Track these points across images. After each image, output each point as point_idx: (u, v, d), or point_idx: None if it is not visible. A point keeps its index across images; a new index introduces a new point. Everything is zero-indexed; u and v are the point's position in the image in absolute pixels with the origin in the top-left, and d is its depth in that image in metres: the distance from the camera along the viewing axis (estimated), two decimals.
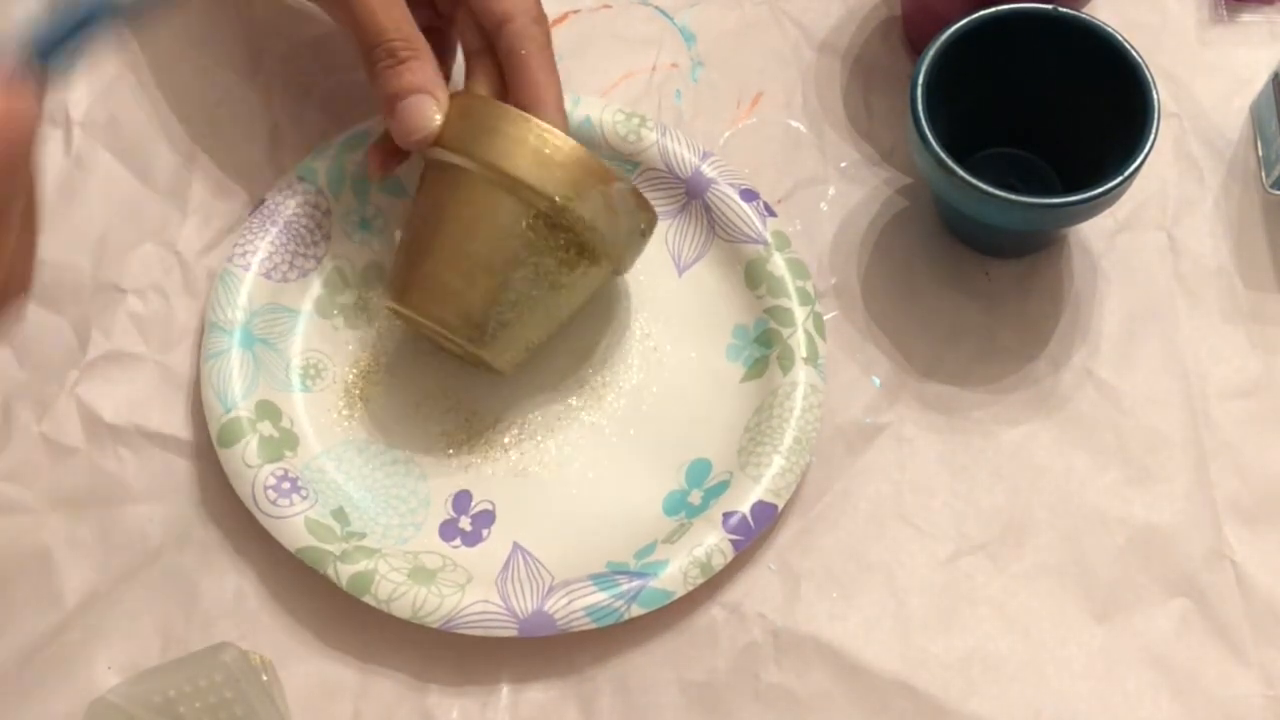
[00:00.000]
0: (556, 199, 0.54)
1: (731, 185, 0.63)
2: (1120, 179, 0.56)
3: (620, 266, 0.59)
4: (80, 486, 0.59)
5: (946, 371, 0.62)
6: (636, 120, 0.64)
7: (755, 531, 0.57)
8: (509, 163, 0.54)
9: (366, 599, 0.55)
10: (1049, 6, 0.59)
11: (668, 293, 0.63)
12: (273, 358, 0.60)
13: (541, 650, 0.57)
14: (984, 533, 0.59)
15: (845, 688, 0.56)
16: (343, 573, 0.56)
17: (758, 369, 0.61)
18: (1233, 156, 0.65)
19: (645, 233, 0.58)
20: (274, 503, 0.57)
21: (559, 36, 0.59)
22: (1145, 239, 0.64)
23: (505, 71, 0.57)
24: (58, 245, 0.63)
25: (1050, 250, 0.64)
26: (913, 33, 0.67)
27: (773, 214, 0.63)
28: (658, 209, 0.60)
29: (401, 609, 0.55)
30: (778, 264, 0.62)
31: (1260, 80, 0.66)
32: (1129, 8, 0.67)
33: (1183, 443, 0.60)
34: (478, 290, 0.55)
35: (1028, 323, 0.62)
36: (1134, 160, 0.56)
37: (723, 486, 0.58)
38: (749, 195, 0.63)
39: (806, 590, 0.58)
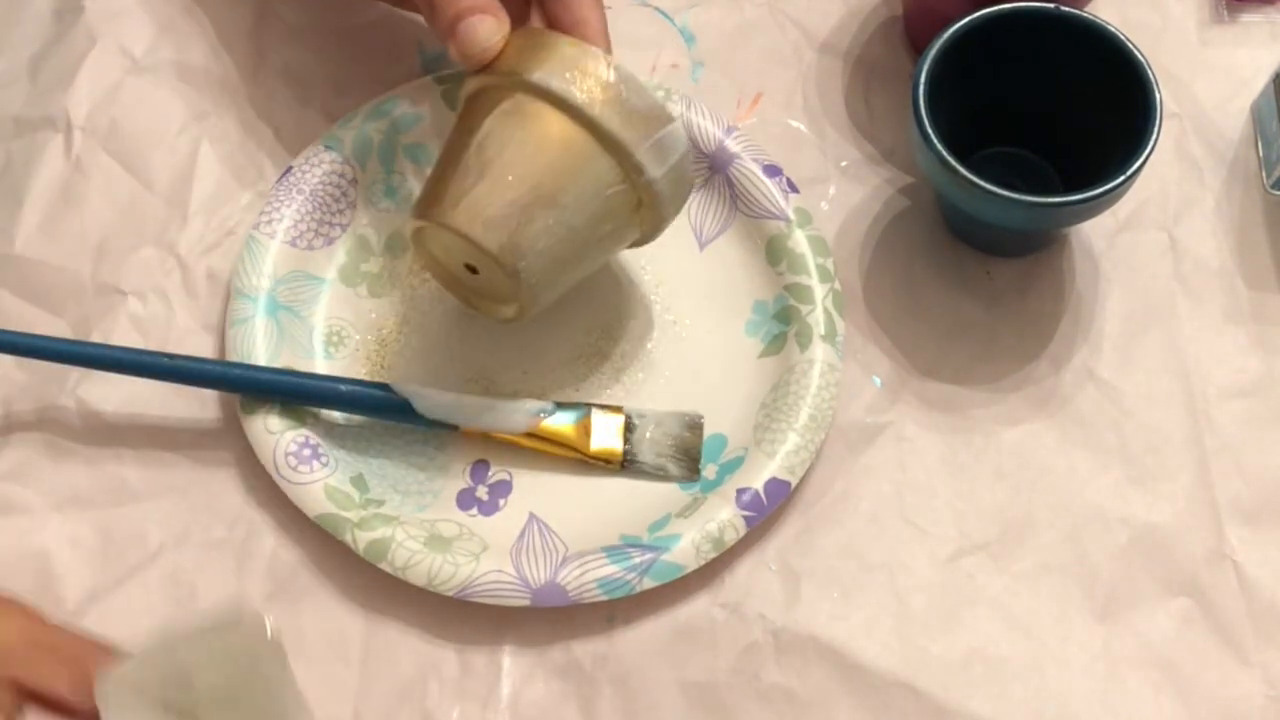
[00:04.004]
0: (636, 153, 0.53)
1: (755, 161, 0.63)
2: (1121, 179, 0.56)
3: (655, 231, 0.58)
4: (80, 487, 0.59)
5: (948, 371, 0.61)
6: (661, 94, 0.64)
7: (769, 508, 0.57)
8: (587, 103, 0.53)
9: (383, 565, 0.56)
10: (1050, 6, 0.59)
11: (689, 267, 0.63)
12: (297, 325, 0.61)
13: (542, 650, 0.57)
14: (985, 532, 0.59)
15: (846, 688, 0.56)
16: (360, 539, 0.56)
17: (776, 345, 0.61)
18: (1234, 157, 0.65)
19: (682, 201, 0.57)
20: (295, 469, 0.57)
21: None
22: (1146, 239, 0.64)
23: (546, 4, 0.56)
24: (58, 248, 0.63)
25: (1051, 250, 0.63)
26: (914, 32, 0.67)
27: (795, 190, 0.63)
28: None
29: (417, 576, 0.55)
30: (799, 240, 0.62)
31: (1261, 80, 0.66)
32: (1130, 7, 0.67)
33: (1184, 442, 0.60)
34: (528, 218, 0.53)
35: (1029, 322, 0.62)
36: (1135, 160, 0.56)
37: (737, 462, 0.58)
38: (772, 171, 0.63)
39: (807, 590, 0.58)
